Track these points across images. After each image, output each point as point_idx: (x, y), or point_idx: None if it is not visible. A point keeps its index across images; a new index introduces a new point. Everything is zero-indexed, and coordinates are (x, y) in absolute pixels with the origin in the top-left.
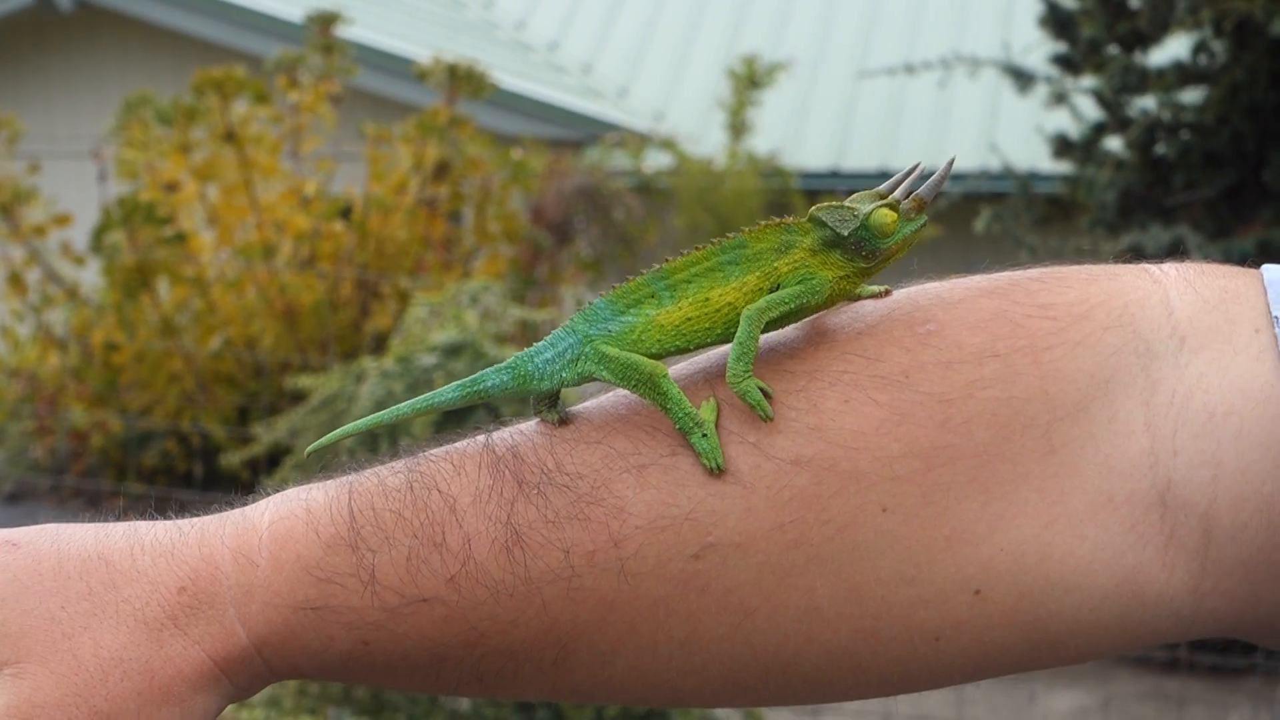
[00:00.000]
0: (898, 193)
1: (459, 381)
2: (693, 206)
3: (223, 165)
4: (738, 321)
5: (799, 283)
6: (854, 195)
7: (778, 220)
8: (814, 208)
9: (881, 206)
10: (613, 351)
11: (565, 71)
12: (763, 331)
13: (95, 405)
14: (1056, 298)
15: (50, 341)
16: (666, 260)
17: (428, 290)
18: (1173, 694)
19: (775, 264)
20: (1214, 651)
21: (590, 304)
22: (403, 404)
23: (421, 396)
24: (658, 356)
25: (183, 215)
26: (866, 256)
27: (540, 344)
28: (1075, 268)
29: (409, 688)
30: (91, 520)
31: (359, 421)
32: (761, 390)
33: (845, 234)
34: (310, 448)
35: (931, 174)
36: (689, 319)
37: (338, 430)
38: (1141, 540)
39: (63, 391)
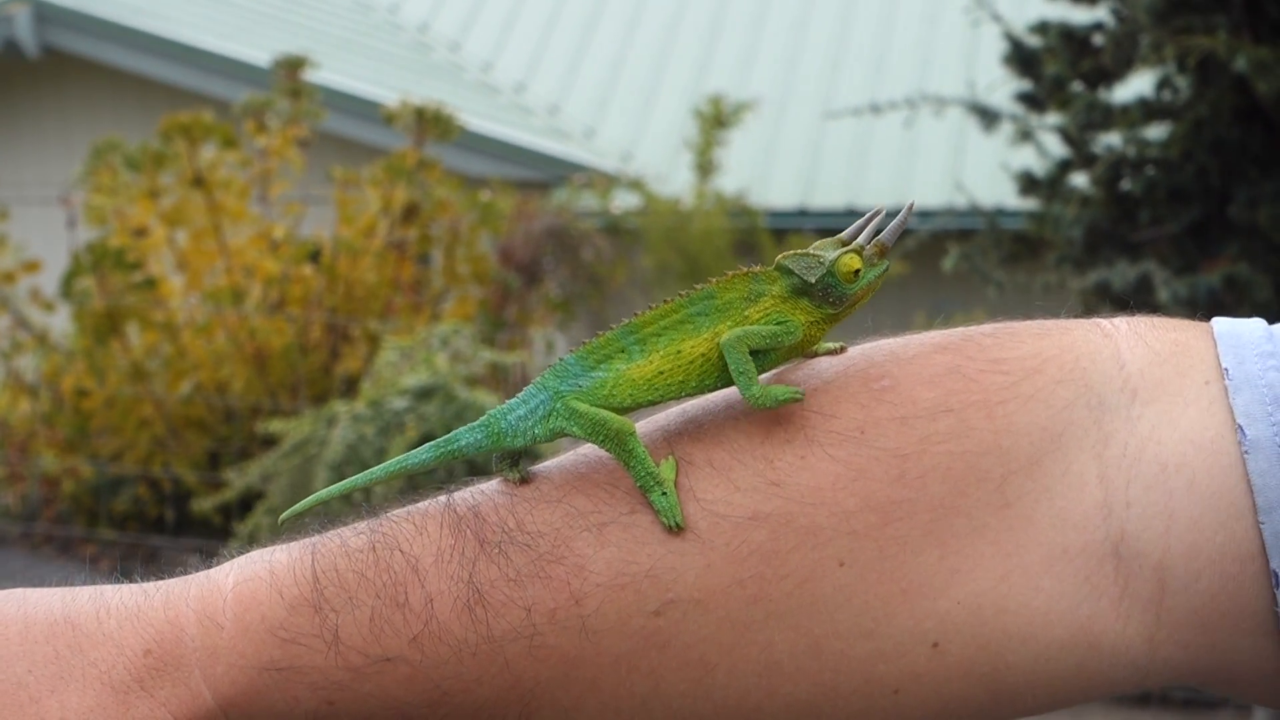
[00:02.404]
0: (861, 238)
1: (432, 442)
2: (661, 246)
3: (191, 210)
4: (711, 373)
5: (775, 324)
6: (817, 243)
7: (745, 270)
8: (780, 256)
9: (846, 253)
10: (582, 407)
11: (532, 113)
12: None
13: (66, 451)
14: (1009, 352)
15: (20, 388)
16: (635, 314)
17: (397, 333)
18: None
19: (746, 313)
20: (1186, 686)
21: (561, 360)
22: (376, 468)
23: (394, 459)
24: (629, 410)
25: (152, 260)
26: (834, 303)
27: (513, 401)
28: (1027, 323)
29: None
30: (63, 567)
31: (332, 487)
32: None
33: (812, 281)
34: (284, 515)
35: (894, 217)
36: (661, 372)
37: (311, 497)
38: (1096, 592)
39: (33, 438)
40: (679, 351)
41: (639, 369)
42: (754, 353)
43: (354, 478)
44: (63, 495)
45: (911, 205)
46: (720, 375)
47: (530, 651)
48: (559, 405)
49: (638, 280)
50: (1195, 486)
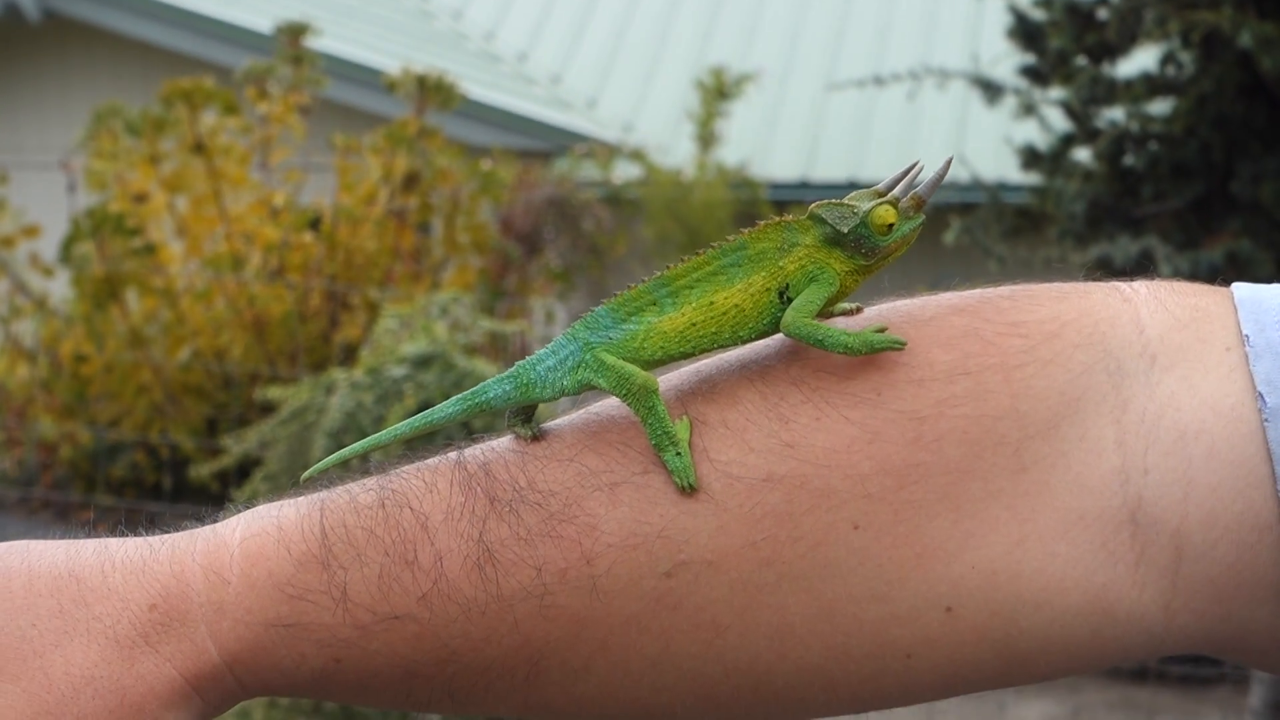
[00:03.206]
0: (896, 190)
1: (459, 395)
2: (662, 217)
3: (192, 176)
4: (745, 324)
5: (812, 280)
6: (853, 193)
7: (777, 219)
8: (813, 205)
9: (881, 204)
10: (611, 360)
11: (534, 82)
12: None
13: (64, 417)
14: (1027, 315)
15: (19, 353)
16: (667, 267)
17: (397, 301)
18: (1142, 704)
19: (780, 263)
20: (1183, 661)
21: (592, 311)
22: (401, 424)
23: (421, 414)
24: (660, 363)
25: (152, 226)
26: (866, 254)
27: (542, 351)
28: (1046, 285)
29: (380, 705)
30: (61, 533)
31: (355, 445)
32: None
33: (845, 231)
34: (307, 473)
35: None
36: (693, 324)
37: (334, 455)
38: (1112, 558)
39: (31, 403)
40: (712, 303)
41: (671, 321)
42: (790, 301)
43: (378, 435)
44: (60, 461)
45: (949, 161)
46: (753, 326)
47: (540, 611)
48: (588, 357)
49: (638, 251)
50: (1214, 454)
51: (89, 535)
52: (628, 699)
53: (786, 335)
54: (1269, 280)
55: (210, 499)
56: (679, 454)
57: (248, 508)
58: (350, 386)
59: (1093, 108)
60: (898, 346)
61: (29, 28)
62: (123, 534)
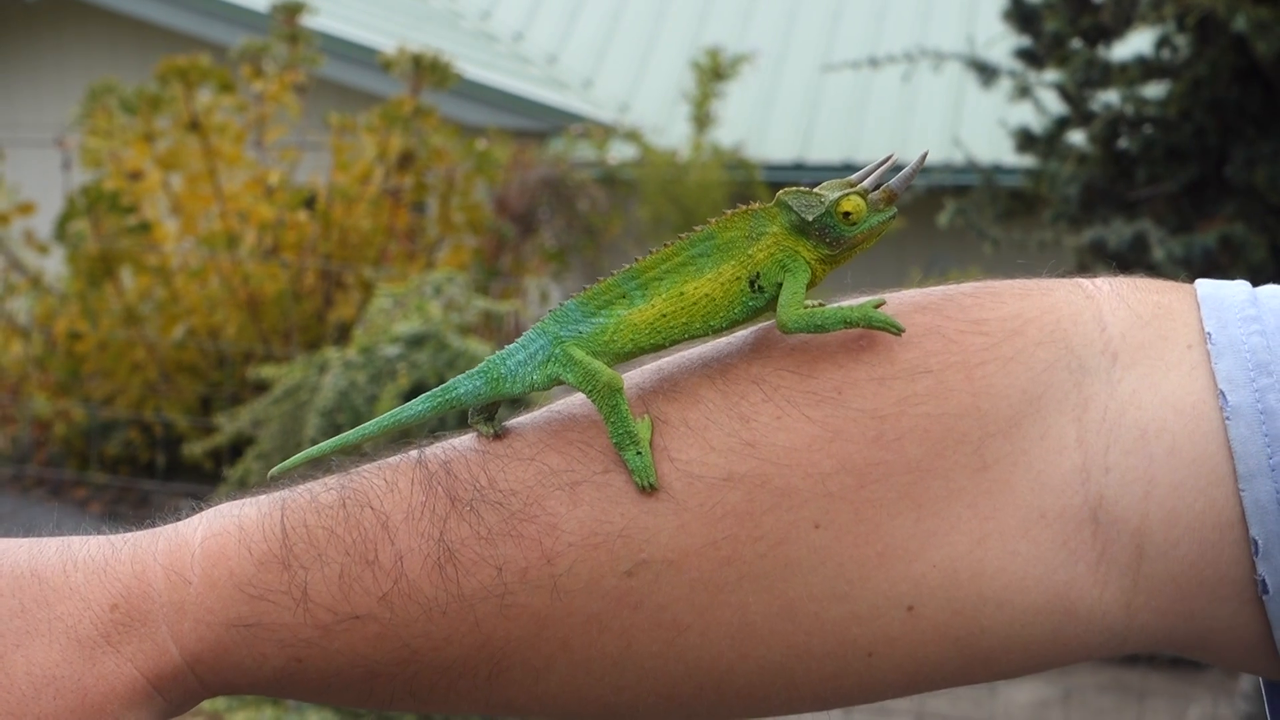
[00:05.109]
0: (867, 182)
1: (429, 393)
2: (657, 198)
3: (187, 154)
4: (716, 313)
5: (784, 269)
6: (825, 183)
7: (744, 208)
8: (781, 192)
9: (849, 195)
10: (578, 355)
11: (530, 62)
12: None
13: (58, 394)
14: (990, 313)
15: (13, 330)
16: (636, 259)
17: (391, 281)
18: (1134, 686)
19: (749, 251)
20: None
21: (561, 305)
22: (369, 423)
23: (389, 413)
24: (631, 355)
25: (146, 204)
26: (831, 244)
27: (512, 346)
28: (1009, 282)
29: (343, 704)
30: (54, 510)
31: (324, 444)
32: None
33: (810, 219)
34: (273, 471)
35: (903, 166)
36: (664, 315)
37: (302, 453)
38: (1073, 557)
39: (25, 380)
40: (682, 293)
41: (641, 313)
42: (761, 290)
43: (346, 434)
44: (54, 438)
45: (924, 155)
46: (725, 315)
47: (501, 610)
48: (557, 351)
49: (633, 232)
50: (1175, 452)
51: (81, 513)
52: (590, 698)
53: (786, 333)
54: (1262, 265)
55: (204, 477)
56: (640, 453)
57: (216, 504)
58: (344, 365)
59: (1088, 90)
60: (894, 330)
61: (25, 5)
62: (112, 517)
